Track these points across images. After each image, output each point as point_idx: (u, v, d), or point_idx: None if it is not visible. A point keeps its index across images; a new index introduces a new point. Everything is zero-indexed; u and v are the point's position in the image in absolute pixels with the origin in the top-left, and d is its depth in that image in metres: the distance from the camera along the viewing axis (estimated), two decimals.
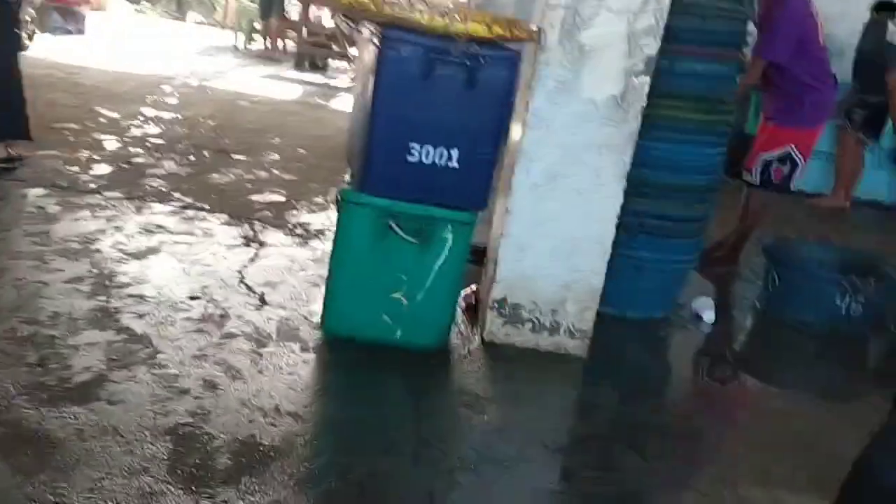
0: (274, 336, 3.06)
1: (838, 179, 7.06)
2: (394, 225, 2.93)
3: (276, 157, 6.00)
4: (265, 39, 13.15)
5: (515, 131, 3.29)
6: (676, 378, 3.47)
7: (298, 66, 12.00)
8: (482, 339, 3.30)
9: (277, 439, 2.41)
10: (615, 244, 3.40)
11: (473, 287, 3.66)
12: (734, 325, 4.16)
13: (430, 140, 2.90)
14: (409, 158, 2.91)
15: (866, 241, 6.13)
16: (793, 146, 4.48)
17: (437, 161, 2.92)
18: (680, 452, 2.75)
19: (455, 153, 2.93)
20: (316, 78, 11.47)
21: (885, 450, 2.03)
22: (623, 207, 3.36)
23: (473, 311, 3.52)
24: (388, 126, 2.89)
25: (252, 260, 3.80)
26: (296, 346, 3.00)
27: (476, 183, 2.98)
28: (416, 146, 2.90)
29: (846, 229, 6.51)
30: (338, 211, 3.04)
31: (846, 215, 6.97)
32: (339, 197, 3.02)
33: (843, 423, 3.13)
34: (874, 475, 2.05)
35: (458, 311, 3.49)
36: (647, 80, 3.10)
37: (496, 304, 3.29)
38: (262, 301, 3.35)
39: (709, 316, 3.99)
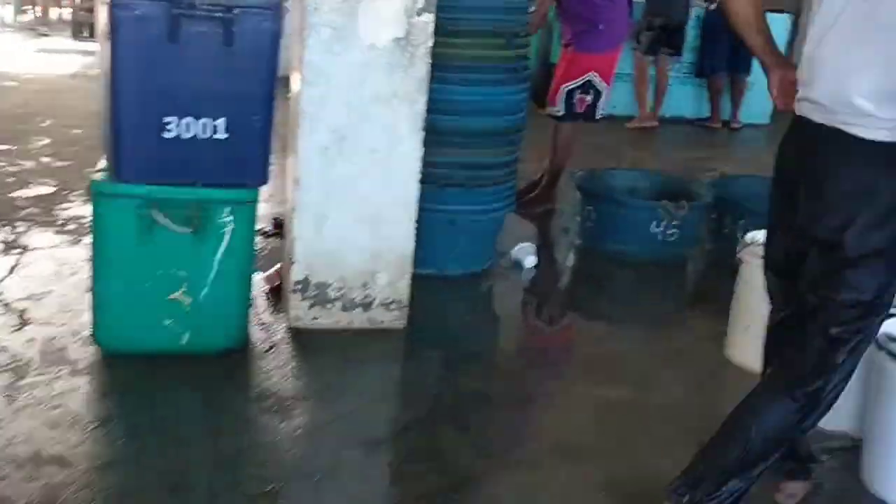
0: (36, 362, 2.59)
1: (639, 101, 7.10)
2: (159, 215, 2.51)
3: (47, 141, 5.30)
4: (35, 9, 11.88)
5: (294, 89, 2.92)
6: (502, 335, 3.26)
7: (76, 35, 10.89)
8: (288, 326, 2.95)
9: (36, 496, 1.99)
10: (424, 200, 3.13)
11: (277, 266, 3.30)
12: (556, 267, 4.02)
13: (189, 110, 2.49)
14: (166, 135, 2.48)
15: (676, 157, 6.20)
16: (593, 73, 4.34)
17: (200, 134, 2.51)
18: (509, 423, 2.54)
19: (221, 123, 2.52)
20: (96, 47, 10.47)
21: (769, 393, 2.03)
22: (427, 160, 3.09)
23: (280, 295, 3.16)
24: (134, 100, 2.45)
25: (12, 270, 3.26)
26: (64, 371, 2.55)
27: (252, 154, 2.60)
28: (173, 119, 2.48)
29: (656, 149, 6.57)
30: (92, 206, 2.58)
31: (655, 135, 7.04)
32: (90, 189, 2.55)
33: (673, 361, 3.04)
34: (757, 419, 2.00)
35: (263, 297, 3.14)
36: (430, 18, 2.79)
37: (298, 286, 2.94)
38: (23, 320, 2.85)
39: (530, 261, 3.81)
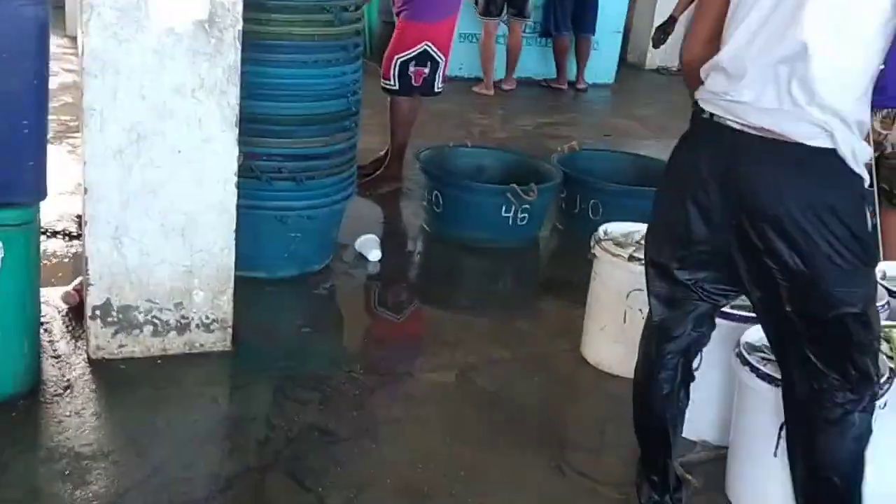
0: None
1: (484, 71, 6.83)
2: None
3: None
4: None
5: (80, 84, 2.45)
6: (343, 347, 2.92)
7: None
8: (89, 358, 2.53)
9: None
10: (249, 196, 2.79)
11: (78, 281, 2.84)
12: (403, 260, 3.71)
13: None
14: None
15: (524, 124, 6.02)
16: (428, 43, 4.02)
17: None
18: (352, 464, 2.24)
19: None
20: None
21: None
22: (250, 152, 2.75)
23: (83, 316, 2.71)
24: None
25: None
26: None
27: (21, 167, 2.15)
28: None
29: (503, 115, 6.35)
30: None
31: (502, 99, 6.82)
32: None
33: (528, 364, 2.83)
34: None
35: (61, 320, 2.70)
36: None
37: (98, 312, 2.51)
38: None
39: (374, 255, 3.50)
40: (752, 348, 2.24)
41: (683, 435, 2.48)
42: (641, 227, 2.99)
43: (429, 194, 3.82)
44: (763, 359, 2.21)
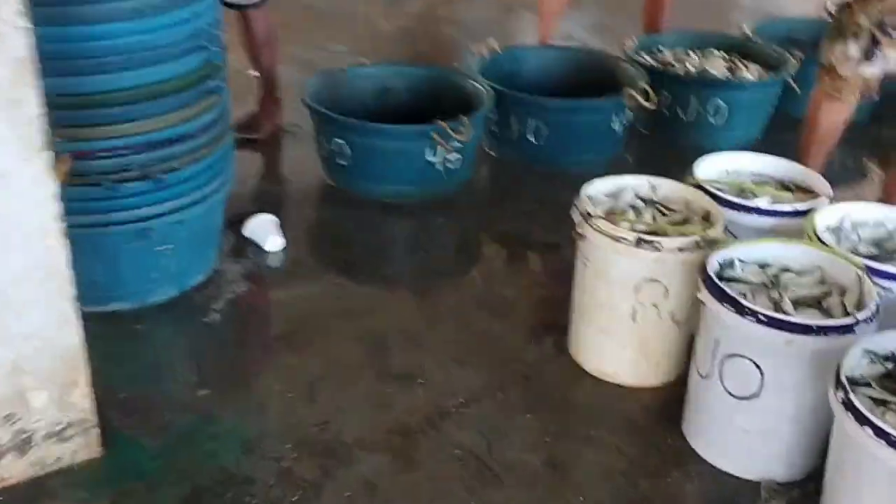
0: None
1: None
2: None
3: None
4: None
5: None
6: (259, 414, 2.01)
7: None
8: None
9: None
10: (88, 211, 2.08)
11: None
12: (312, 241, 2.82)
13: None
14: None
15: (416, 10, 5.07)
16: None
17: None
18: None
19: None
20: None
21: None
22: (79, 152, 2.00)
23: None
24: None
25: None
26: None
27: None
28: None
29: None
30: None
31: None
32: None
33: (504, 379, 2.14)
34: None
35: None
36: None
37: None
38: None
39: (274, 243, 2.66)
40: (856, 383, 1.61)
41: (741, 475, 1.91)
42: (631, 180, 2.27)
43: (327, 142, 2.95)
44: (874, 401, 1.59)
